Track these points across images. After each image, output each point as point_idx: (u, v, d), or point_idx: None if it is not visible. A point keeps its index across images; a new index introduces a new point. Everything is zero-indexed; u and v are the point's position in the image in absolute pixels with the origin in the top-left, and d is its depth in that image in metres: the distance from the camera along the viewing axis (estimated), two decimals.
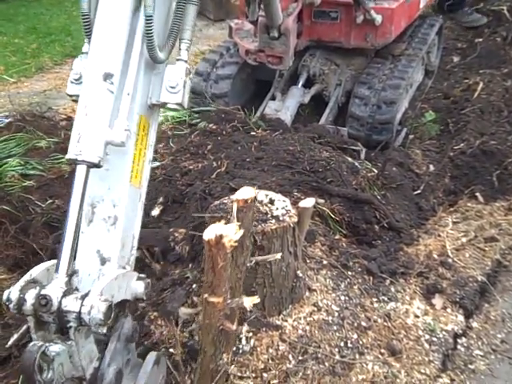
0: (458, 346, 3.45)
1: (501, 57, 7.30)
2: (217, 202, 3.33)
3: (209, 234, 2.16)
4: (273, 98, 6.16)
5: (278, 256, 2.88)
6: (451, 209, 4.95)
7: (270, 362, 2.99)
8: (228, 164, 4.60)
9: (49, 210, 4.28)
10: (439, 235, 4.40)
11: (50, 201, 4.39)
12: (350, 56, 6.18)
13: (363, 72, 6.05)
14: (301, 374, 2.94)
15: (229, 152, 4.84)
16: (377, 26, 5.64)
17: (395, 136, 5.85)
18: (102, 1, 2.19)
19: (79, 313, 1.91)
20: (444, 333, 3.45)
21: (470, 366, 3.33)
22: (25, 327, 3.34)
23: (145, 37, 2.24)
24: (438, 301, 3.66)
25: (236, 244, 2.17)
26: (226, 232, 2.14)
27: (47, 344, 1.88)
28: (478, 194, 4.96)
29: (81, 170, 2.04)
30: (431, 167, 5.52)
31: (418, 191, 5.10)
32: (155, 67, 2.42)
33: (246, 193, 2.48)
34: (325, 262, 3.71)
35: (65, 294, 1.94)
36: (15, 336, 2.64)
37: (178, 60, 2.42)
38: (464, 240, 4.31)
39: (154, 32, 2.23)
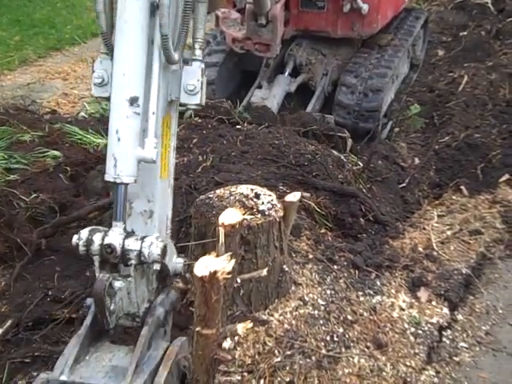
0: (443, 339, 3.48)
1: (485, 50, 7.34)
2: (202, 197, 3.32)
3: (201, 269, 2.08)
4: (259, 87, 6.16)
5: (265, 272, 2.83)
6: (436, 202, 4.98)
7: (257, 357, 2.99)
8: (213, 158, 4.59)
9: (33, 205, 4.24)
10: (424, 228, 4.43)
11: (34, 195, 4.34)
12: (336, 46, 6.20)
13: (350, 61, 6.07)
14: (288, 368, 2.94)
15: (214, 146, 4.83)
16: (363, 15, 5.67)
17: (381, 129, 5.86)
18: (118, 23, 2.20)
19: (140, 251, 2.10)
20: (429, 325, 3.46)
21: (455, 358, 3.36)
22: (9, 323, 3.33)
23: (161, 41, 2.26)
24: (423, 294, 3.68)
25: (230, 276, 2.12)
26: (218, 266, 2.08)
27: (112, 279, 2.07)
28: (462, 187, 4.99)
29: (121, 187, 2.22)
30: (416, 160, 5.54)
31: (404, 184, 5.12)
32: (171, 66, 2.43)
33: (232, 216, 2.42)
34: (311, 256, 3.71)
35: (126, 237, 2.13)
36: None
37: (193, 60, 2.43)
38: (449, 233, 4.34)
39: (169, 36, 2.25)
